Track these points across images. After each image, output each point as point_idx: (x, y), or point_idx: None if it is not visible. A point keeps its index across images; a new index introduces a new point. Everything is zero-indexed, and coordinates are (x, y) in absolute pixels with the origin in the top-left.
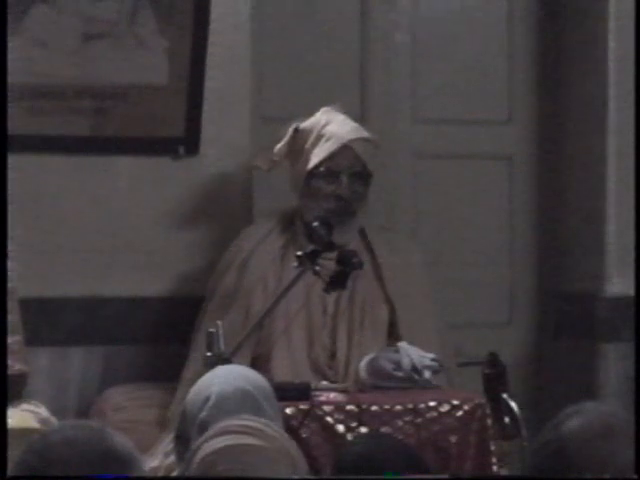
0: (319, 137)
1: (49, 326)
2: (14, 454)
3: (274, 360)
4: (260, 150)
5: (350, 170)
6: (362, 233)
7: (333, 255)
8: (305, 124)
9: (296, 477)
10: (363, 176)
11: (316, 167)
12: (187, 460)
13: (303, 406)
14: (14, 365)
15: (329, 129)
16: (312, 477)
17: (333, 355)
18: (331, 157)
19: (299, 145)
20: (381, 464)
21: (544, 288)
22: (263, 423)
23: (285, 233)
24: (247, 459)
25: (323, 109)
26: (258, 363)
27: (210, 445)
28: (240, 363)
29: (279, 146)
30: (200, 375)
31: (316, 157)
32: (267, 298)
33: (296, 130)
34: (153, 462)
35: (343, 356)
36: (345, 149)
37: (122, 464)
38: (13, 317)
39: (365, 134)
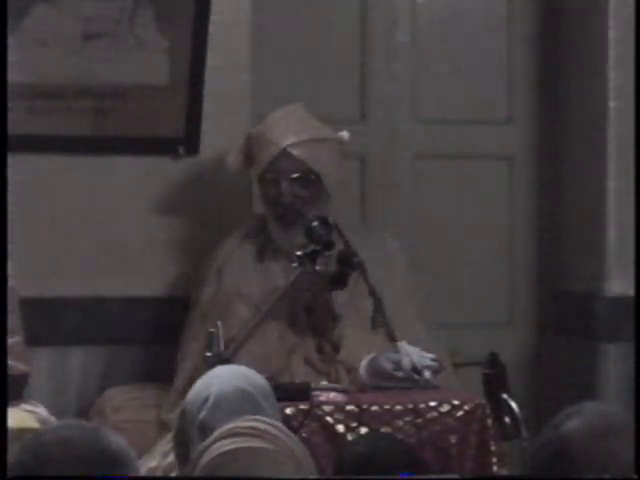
0: (264, 143)
1: (49, 326)
2: (13, 454)
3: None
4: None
5: (290, 175)
6: (336, 227)
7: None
8: (255, 129)
9: (298, 477)
10: (307, 179)
11: (263, 173)
12: (193, 462)
13: (303, 406)
14: (16, 365)
15: (271, 134)
16: (314, 477)
17: (322, 350)
18: (273, 163)
19: (252, 151)
20: (382, 464)
21: (544, 288)
22: (270, 424)
23: (261, 235)
24: (254, 462)
25: (278, 110)
26: None
27: (217, 447)
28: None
29: (232, 154)
30: (191, 383)
31: (260, 164)
32: (251, 300)
33: (248, 136)
34: (152, 462)
35: (330, 349)
36: (285, 154)
37: (116, 464)
38: (13, 318)
39: (309, 135)
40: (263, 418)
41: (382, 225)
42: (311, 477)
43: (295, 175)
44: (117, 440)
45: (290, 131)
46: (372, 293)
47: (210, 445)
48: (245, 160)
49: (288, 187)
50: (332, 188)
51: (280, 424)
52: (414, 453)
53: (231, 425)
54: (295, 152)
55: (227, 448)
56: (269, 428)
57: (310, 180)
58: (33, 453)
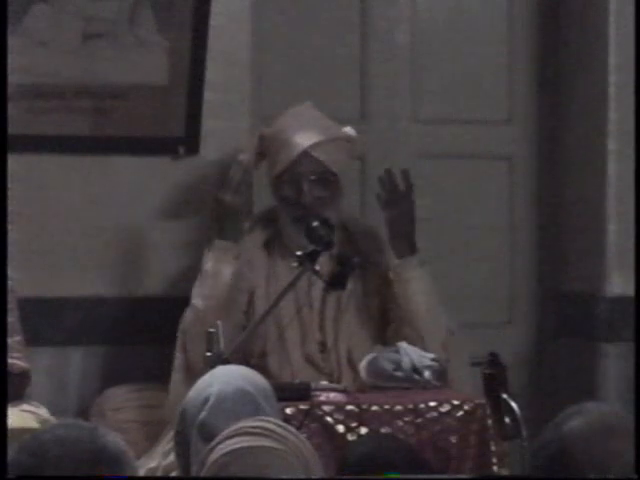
0: (281, 144)
1: (49, 326)
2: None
3: (269, 358)
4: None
5: (310, 176)
6: (345, 229)
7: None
8: (269, 130)
9: (302, 477)
10: (326, 179)
11: (280, 174)
12: (201, 460)
13: (303, 406)
14: (17, 364)
15: (289, 135)
16: (317, 477)
17: (324, 347)
18: (292, 164)
19: (265, 151)
20: (385, 465)
21: (544, 288)
22: (279, 425)
23: (267, 229)
24: (261, 461)
25: (290, 110)
26: (252, 362)
27: (225, 446)
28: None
29: (246, 155)
30: (190, 376)
31: (278, 165)
32: (256, 296)
33: (261, 136)
34: (151, 462)
35: (333, 348)
36: (305, 155)
37: (114, 463)
38: (13, 318)
39: (328, 136)
40: (272, 419)
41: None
42: (314, 477)
43: (315, 176)
44: (115, 440)
45: (308, 132)
46: (379, 293)
47: (217, 444)
48: (257, 160)
49: (309, 188)
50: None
51: (288, 425)
52: (417, 454)
53: (240, 424)
54: (316, 153)
55: (235, 447)
56: (278, 428)
57: (329, 181)
58: (30, 452)
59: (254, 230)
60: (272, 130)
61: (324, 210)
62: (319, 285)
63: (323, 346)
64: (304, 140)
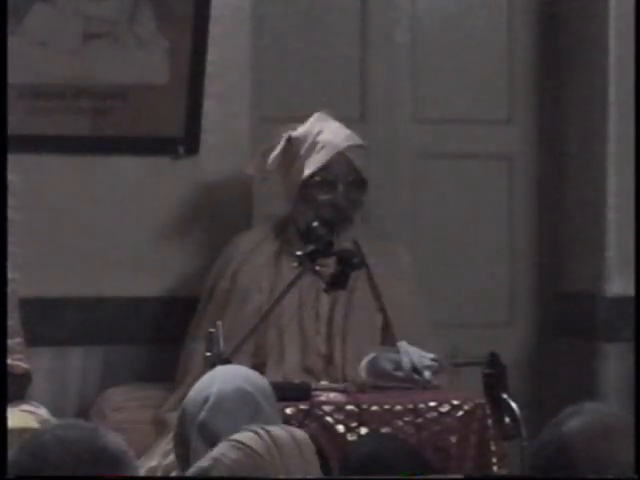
0: (313, 145)
1: (49, 326)
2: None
3: (268, 370)
4: (251, 158)
5: (346, 178)
6: (355, 243)
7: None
8: (298, 132)
9: (299, 477)
10: (358, 183)
11: (311, 176)
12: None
13: (303, 406)
14: (18, 364)
15: (323, 137)
16: (315, 477)
17: (329, 361)
18: (326, 166)
19: (292, 154)
20: (385, 465)
21: (544, 288)
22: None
23: (278, 239)
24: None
25: (316, 115)
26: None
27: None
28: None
29: (273, 156)
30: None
31: (311, 166)
32: (262, 303)
33: (289, 139)
34: (152, 462)
35: (340, 361)
36: (340, 157)
37: (114, 464)
38: (13, 319)
39: (358, 141)
40: (260, 430)
41: (390, 233)
42: (310, 477)
43: (351, 179)
44: (115, 440)
45: (340, 135)
46: (382, 309)
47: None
48: (281, 162)
49: (344, 191)
50: None
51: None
52: (417, 454)
53: (235, 436)
54: (351, 156)
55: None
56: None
57: (359, 184)
58: (30, 453)
59: (262, 244)
60: (301, 132)
61: (354, 213)
62: (325, 295)
63: (328, 360)
64: (340, 141)
